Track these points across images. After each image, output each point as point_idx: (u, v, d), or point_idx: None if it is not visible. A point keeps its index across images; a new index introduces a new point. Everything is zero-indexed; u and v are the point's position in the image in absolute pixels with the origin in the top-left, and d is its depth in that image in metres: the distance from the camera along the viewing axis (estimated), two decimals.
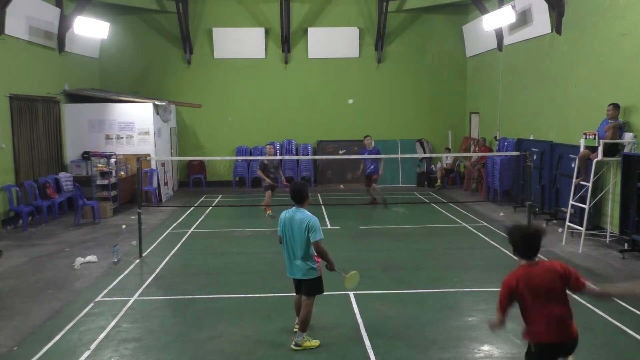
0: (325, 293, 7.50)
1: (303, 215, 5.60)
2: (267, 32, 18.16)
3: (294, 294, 6.01)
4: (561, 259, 9.02)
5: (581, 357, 5.48)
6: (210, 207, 14.19)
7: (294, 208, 5.70)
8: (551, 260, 4.18)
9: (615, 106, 9.64)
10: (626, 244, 9.23)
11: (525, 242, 3.87)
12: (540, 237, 3.91)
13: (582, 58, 11.36)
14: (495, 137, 15.80)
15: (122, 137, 15.05)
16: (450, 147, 18.60)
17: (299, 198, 5.69)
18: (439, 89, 18.73)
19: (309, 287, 5.75)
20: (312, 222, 5.57)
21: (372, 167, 13.45)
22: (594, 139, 9.66)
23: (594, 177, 9.75)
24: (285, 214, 5.73)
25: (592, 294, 3.99)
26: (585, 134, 9.96)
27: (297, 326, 5.86)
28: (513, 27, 14.39)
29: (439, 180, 17.33)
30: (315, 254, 5.70)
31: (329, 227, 11.93)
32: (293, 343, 5.68)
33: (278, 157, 16.59)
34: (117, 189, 13.57)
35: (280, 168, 13.94)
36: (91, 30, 14.87)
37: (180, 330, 6.30)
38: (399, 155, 18.01)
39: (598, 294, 3.99)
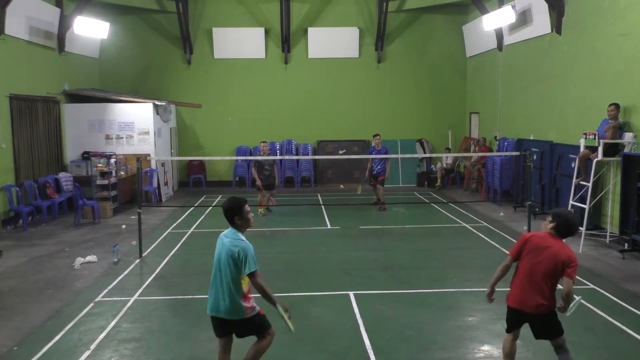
0: (325, 293, 7.54)
1: (234, 239, 4.57)
2: (267, 32, 18.16)
3: (222, 337, 4.84)
4: None
5: (581, 357, 5.49)
6: (211, 207, 14.18)
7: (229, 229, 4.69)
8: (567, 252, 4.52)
9: (617, 106, 9.65)
10: (626, 244, 9.23)
11: (566, 224, 4.46)
12: (574, 226, 4.55)
13: (582, 58, 11.36)
14: (495, 137, 15.80)
15: (122, 137, 15.05)
16: (450, 147, 18.60)
17: (226, 217, 4.64)
18: (439, 89, 18.74)
19: (254, 328, 4.73)
20: (244, 249, 4.50)
21: (379, 167, 13.37)
22: (594, 139, 9.67)
23: (594, 177, 9.75)
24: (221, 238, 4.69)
25: (565, 294, 4.45)
26: (585, 134, 9.97)
27: None
28: (513, 27, 14.39)
29: (439, 181, 17.34)
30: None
31: (329, 227, 11.94)
32: None
33: (277, 157, 16.60)
34: (117, 189, 13.57)
35: (277, 166, 13.78)
36: (91, 30, 14.87)
37: (180, 330, 6.30)
38: (399, 155, 17.99)
39: (565, 294, 4.47)
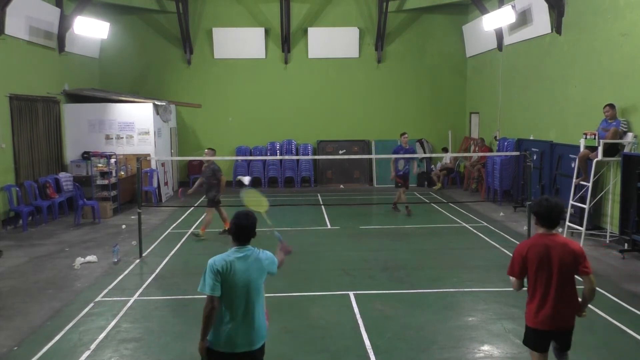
0: (325, 293, 7.54)
1: (265, 254, 4.07)
2: (267, 32, 18.16)
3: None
4: None
5: (581, 357, 5.49)
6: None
7: (246, 248, 3.97)
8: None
9: (611, 106, 9.67)
10: (626, 244, 9.23)
11: (545, 213, 4.12)
12: (561, 211, 4.22)
13: (582, 58, 11.36)
14: (495, 137, 15.80)
15: (122, 137, 15.05)
16: (448, 147, 18.57)
17: (251, 232, 3.99)
18: (439, 89, 18.73)
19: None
20: (272, 256, 4.13)
21: (407, 166, 12.93)
22: (594, 139, 9.67)
23: (594, 177, 9.75)
24: (234, 261, 3.87)
25: (588, 290, 4.12)
26: (585, 134, 9.97)
27: None
28: (513, 27, 14.39)
29: (437, 184, 17.20)
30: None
31: (329, 227, 11.94)
32: None
33: (277, 157, 16.60)
34: (117, 189, 13.57)
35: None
36: (91, 30, 14.87)
37: (180, 330, 6.30)
38: (399, 155, 17.91)
39: (589, 295, 4.16)
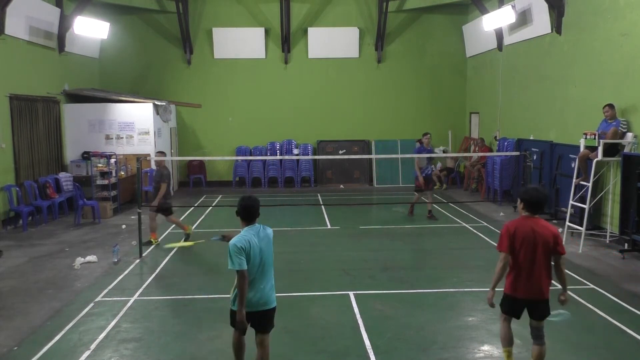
0: (325, 293, 7.54)
1: (266, 229, 4.80)
2: (267, 32, 18.16)
3: (245, 328, 4.70)
4: None
5: (581, 357, 5.49)
6: (210, 207, 14.19)
7: (255, 226, 4.69)
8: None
9: (611, 106, 9.68)
10: (626, 244, 9.23)
11: (533, 200, 4.75)
12: (546, 200, 4.95)
13: (582, 58, 11.36)
14: (495, 137, 15.80)
15: (122, 137, 15.05)
16: (447, 147, 18.57)
17: (256, 212, 4.72)
18: (439, 89, 18.73)
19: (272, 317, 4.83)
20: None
21: (430, 168, 12.47)
22: (594, 139, 9.67)
23: (594, 177, 9.75)
24: (251, 237, 4.57)
25: (562, 270, 4.80)
26: (585, 134, 9.97)
27: None
28: (513, 27, 14.39)
29: (437, 184, 17.14)
30: None
31: (329, 227, 11.94)
32: None
33: (277, 157, 16.59)
34: (117, 189, 13.57)
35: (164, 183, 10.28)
36: (91, 30, 14.87)
37: (180, 330, 6.30)
38: (399, 155, 18.00)
39: (563, 275, 4.84)
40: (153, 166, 14.97)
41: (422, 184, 12.36)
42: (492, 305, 4.97)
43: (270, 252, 4.71)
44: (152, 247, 10.10)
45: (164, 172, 10.31)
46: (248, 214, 4.65)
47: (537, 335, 4.89)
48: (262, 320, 4.71)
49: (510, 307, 4.90)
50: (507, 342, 4.99)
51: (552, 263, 4.76)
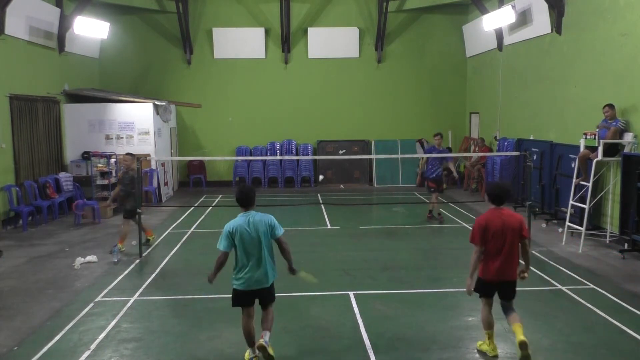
0: (325, 293, 7.54)
1: (261, 214, 5.29)
2: (267, 32, 18.16)
3: (250, 306, 5.34)
4: (561, 258, 9.02)
5: (581, 357, 5.49)
6: (210, 207, 14.19)
7: (250, 212, 5.24)
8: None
9: (611, 106, 9.68)
10: (626, 244, 9.23)
11: (497, 194, 5.46)
12: (509, 193, 5.63)
13: (582, 58, 11.36)
14: (495, 137, 15.80)
15: (122, 137, 15.05)
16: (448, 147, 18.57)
17: (252, 198, 5.28)
18: (439, 89, 18.74)
19: (273, 292, 5.43)
20: (272, 218, 5.31)
21: (439, 170, 12.15)
22: (594, 139, 9.66)
23: (594, 177, 9.75)
24: (240, 223, 5.16)
25: (526, 251, 5.50)
26: (585, 134, 9.97)
27: (261, 340, 5.24)
28: (513, 27, 14.39)
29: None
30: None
31: (329, 227, 11.94)
32: (262, 342, 5.22)
33: (277, 157, 16.61)
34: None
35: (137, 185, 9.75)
36: (91, 30, 14.87)
37: (180, 330, 6.30)
38: (399, 155, 18.01)
39: (527, 255, 5.54)
40: (153, 166, 15.01)
41: (434, 185, 12.09)
42: (470, 293, 5.53)
43: (263, 236, 5.16)
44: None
45: (134, 175, 9.66)
46: (241, 200, 5.25)
47: (508, 309, 5.49)
48: (260, 297, 5.30)
49: (484, 289, 5.51)
50: (487, 325, 5.53)
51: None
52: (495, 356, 5.47)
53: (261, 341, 5.19)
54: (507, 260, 5.32)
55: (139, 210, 9.52)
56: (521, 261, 5.47)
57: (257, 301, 5.37)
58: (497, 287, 5.45)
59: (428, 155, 12.16)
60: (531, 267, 8.52)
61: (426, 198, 15.47)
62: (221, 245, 5.16)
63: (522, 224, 5.39)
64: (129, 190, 9.71)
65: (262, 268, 5.18)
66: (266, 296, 5.32)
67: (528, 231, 5.54)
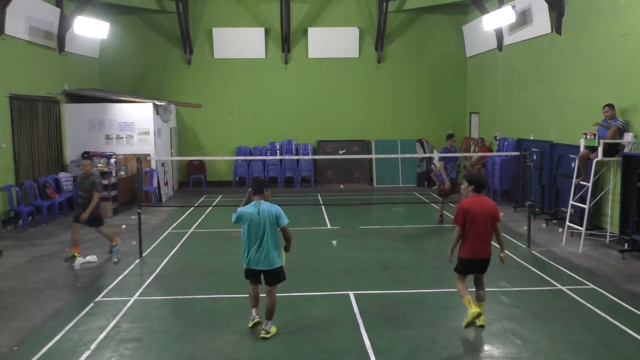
0: (325, 293, 7.55)
1: (268, 204, 6.05)
2: (267, 32, 18.16)
3: (257, 282, 6.20)
4: (561, 258, 9.02)
5: (581, 357, 5.49)
6: (210, 207, 14.19)
7: (261, 202, 6.03)
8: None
9: (611, 106, 9.69)
10: (626, 244, 9.23)
11: (480, 182, 6.34)
12: (486, 181, 6.22)
13: (582, 58, 11.36)
14: (495, 137, 15.80)
15: (122, 137, 15.05)
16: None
17: (260, 187, 6.13)
18: (439, 89, 18.74)
19: (278, 276, 6.07)
20: (278, 208, 6.01)
21: (455, 172, 11.80)
22: (594, 139, 9.66)
23: (594, 177, 9.75)
24: (250, 209, 6.00)
25: (498, 232, 6.24)
26: (585, 134, 9.96)
27: (257, 317, 6.16)
28: (513, 27, 14.38)
29: (438, 183, 17.06)
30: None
31: (329, 227, 11.94)
32: (264, 332, 5.96)
33: (277, 157, 16.59)
34: (117, 189, 13.57)
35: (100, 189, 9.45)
36: (91, 30, 14.87)
37: (180, 330, 6.30)
38: (399, 155, 18.01)
39: (500, 236, 6.30)
40: (153, 166, 15.01)
41: (448, 188, 11.63)
42: (448, 262, 6.26)
43: (268, 224, 5.88)
44: (77, 260, 9.04)
45: (97, 180, 9.37)
46: (254, 187, 6.12)
47: (480, 283, 6.32)
48: (266, 276, 6.01)
49: (465, 268, 6.20)
50: (465, 292, 6.10)
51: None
52: (479, 314, 5.95)
53: (263, 331, 5.97)
54: (484, 241, 6.09)
55: (138, 210, 9.52)
56: (495, 244, 6.20)
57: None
58: (475, 263, 6.17)
59: (445, 154, 11.55)
60: (531, 267, 8.59)
61: (425, 198, 15.48)
62: (233, 217, 6.06)
63: (497, 209, 6.20)
64: (89, 196, 9.16)
65: (264, 252, 5.88)
66: (269, 277, 6.00)
67: (500, 215, 6.32)
